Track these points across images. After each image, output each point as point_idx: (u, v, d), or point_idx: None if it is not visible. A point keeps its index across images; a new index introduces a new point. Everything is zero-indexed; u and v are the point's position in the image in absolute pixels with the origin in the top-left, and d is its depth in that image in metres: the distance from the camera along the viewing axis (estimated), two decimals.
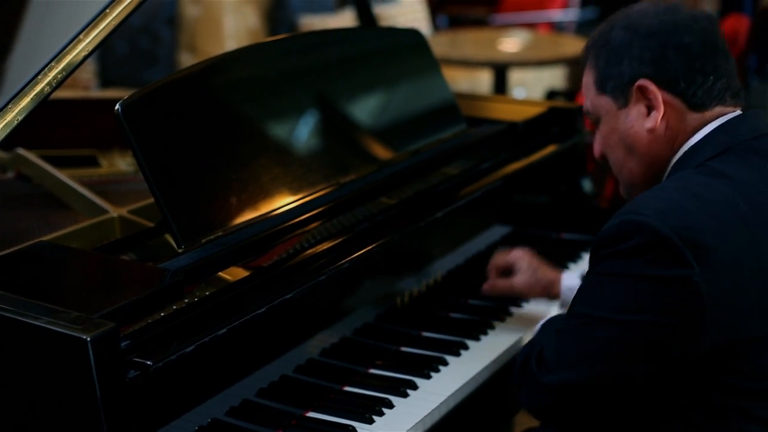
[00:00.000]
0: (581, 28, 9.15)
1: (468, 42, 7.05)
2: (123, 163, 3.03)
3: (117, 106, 1.99)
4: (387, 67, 2.78)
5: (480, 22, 8.81)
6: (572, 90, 7.45)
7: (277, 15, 7.12)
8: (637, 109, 1.95)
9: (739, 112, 1.95)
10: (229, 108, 2.26)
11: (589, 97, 2.04)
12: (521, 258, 2.49)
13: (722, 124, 1.91)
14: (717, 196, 1.77)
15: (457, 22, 9.09)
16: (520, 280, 2.46)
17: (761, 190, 1.81)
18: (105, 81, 6.38)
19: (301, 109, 2.43)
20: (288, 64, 2.47)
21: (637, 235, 1.71)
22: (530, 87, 7.55)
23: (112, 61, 6.47)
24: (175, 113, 2.14)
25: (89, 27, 2.09)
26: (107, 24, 2.11)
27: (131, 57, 6.57)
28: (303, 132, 2.41)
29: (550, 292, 2.46)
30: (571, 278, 2.45)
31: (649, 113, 1.94)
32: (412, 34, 2.88)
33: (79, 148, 3.14)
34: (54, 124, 3.09)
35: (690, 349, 1.72)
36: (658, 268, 1.69)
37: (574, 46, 6.84)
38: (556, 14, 8.90)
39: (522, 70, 7.23)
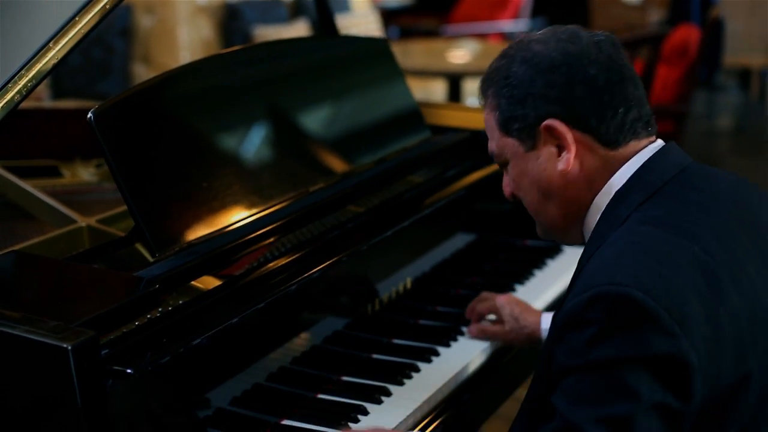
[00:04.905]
0: None
1: (419, 53, 7.10)
2: (86, 173, 3.00)
3: (89, 114, 1.99)
4: (353, 75, 2.79)
5: (432, 33, 8.87)
6: None
7: (231, 26, 7.11)
8: (547, 151, 1.82)
9: (657, 143, 1.84)
10: (200, 117, 2.26)
11: (494, 139, 1.90)
12: (503, 306, 2.42)
13: (645, 163, 1.80)
14: (679, 252, 1.66)
15: (408, 33, 9.15)
16: (504, 330, 2.41)
17: (706, 226, 1.73)
18: (58, 92, 6.33)
19: (270, 117, 2.43)
20: (257, 72, 2.48)
21: (617, 309, 1.58)
22: None
23: (66, 72, 6.43)
24: (147, 122, 2.14)
25: (59, 35, 2.08)
26: (77, 32, 2.09)
27: (84, 68, 6.53)
28: (272, 140, 2.41)
29: (532, 339, 2.39)
30: (549, 320, 2.35)
31: (560, 154, 1.81)
32: (377, 43, 2.90)
33: (35, 159, 3.09)
34: (8, 134, 3.05)
35: (690, 412, 1.61)
36: (649, 347, 1.56)
37: None
38: (507, 25, 8.98)
39: (474, 80, 7.27)
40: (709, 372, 1.60)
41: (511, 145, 1.86)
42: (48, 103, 5.79)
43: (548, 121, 1.78)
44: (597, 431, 1.58)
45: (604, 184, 1.82)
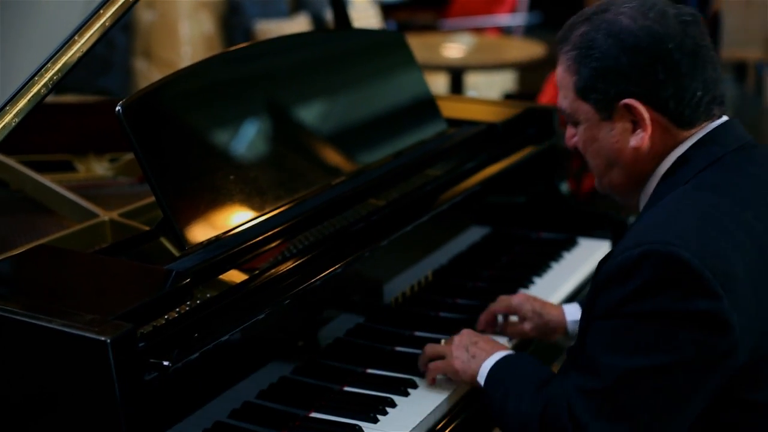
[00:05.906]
0: (529, 31, 9.24)
1: (415, 47, 7.10)
2: (100, 168, 2.99)
3: (118, 107, 1.98)
4: (371, 68, 2.79)
5: (429, 28, 8.87)
6: (524, 93, 7.51)
7: (232, 21, 7.09)
8: (621, 125, 1.85)
9: (724, 118, 1.88)
10: (225, 110, 2.25)
11: (567, 98, 1.91)
12: (523, 304, 2.40)
13: (708, 133, 1.84)
14: (730, 217, 1.72)
15: (405, 28, 9.13)
16: (528, 326, 2.38)
17: (761, 197, 1.79)
18: (59, 87, 6.29)
19: (292, 111, 2.42)
20: (277, 65, 2.47)
21: (664, 266, 1.64)
22: (482, 90, 7.60)
23: None
24: (175, 114, 2.13)
25: (84, 27, 2.08)
26: (101, 24, 2.10)
27: (85, 63, 6.49)
28: (295, 133, 2.40)
29: (559, 331, 2.39)
30: (572, 310, 2.39)
31: (634, 130, 1.85)
32: (393, 35, 2.90)
33: (45, 154, 3.06)
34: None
35: (726, 376, 1.67)
36: (690, 303, 1.63)
37: (521, 49, 7.00)
38: (504, 19, 8.97)
39: (473, 74, 7.30)
40: (751, 333, 1.66)
41: (585, 110, 1.89)
42: (49, 98, 5.75)
43: (628, 100, 1.82)
44: (622, 380, 1.67)
45: (671, 153, 1.86)
